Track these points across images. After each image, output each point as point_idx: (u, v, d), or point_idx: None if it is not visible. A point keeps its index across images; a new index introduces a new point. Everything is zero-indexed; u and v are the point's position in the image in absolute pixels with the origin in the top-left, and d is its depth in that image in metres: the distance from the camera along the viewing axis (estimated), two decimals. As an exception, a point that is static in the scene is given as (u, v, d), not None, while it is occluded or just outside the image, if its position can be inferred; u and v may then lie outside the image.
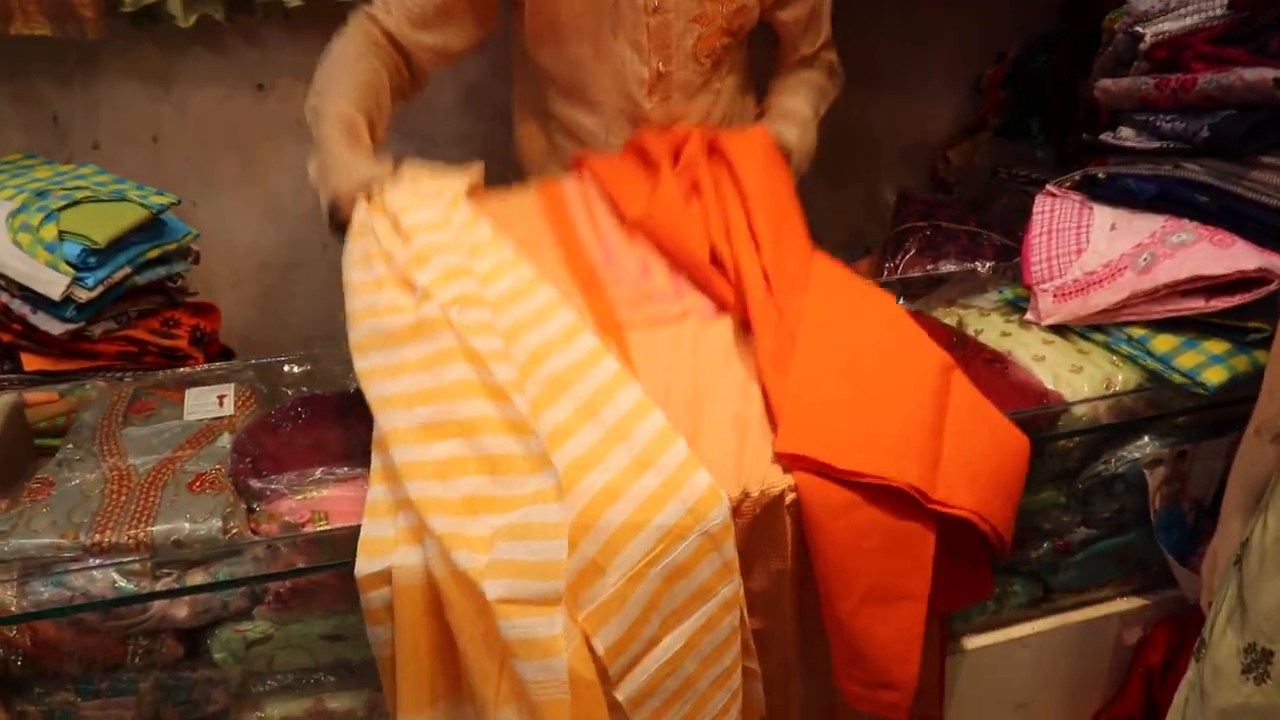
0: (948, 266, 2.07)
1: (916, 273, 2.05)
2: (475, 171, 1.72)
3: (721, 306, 1.60)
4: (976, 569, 1.47)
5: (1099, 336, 1.66)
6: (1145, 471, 1.62)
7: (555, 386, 1.33)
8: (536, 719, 1.17)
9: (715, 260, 1.63)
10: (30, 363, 1.80)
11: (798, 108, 1.97)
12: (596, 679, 1.20)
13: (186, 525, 1.30)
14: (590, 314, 1.53)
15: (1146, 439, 1.63)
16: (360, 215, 1.60)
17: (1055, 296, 1.69)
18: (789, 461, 1.36)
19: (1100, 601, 1.73)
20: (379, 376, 1.34)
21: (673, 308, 1.60)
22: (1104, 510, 1.64)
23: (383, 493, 1.27)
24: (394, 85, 1.85)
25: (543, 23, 1.83)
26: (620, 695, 1.25)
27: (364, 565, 1.22)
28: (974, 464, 1.38)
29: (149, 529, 1.29)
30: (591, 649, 1.21)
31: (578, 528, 1.20)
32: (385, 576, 1.22)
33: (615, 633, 1.23)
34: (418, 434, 1.28)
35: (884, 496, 1.33)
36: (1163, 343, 1.60)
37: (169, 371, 1.73)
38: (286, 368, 1.65)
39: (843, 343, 1.49)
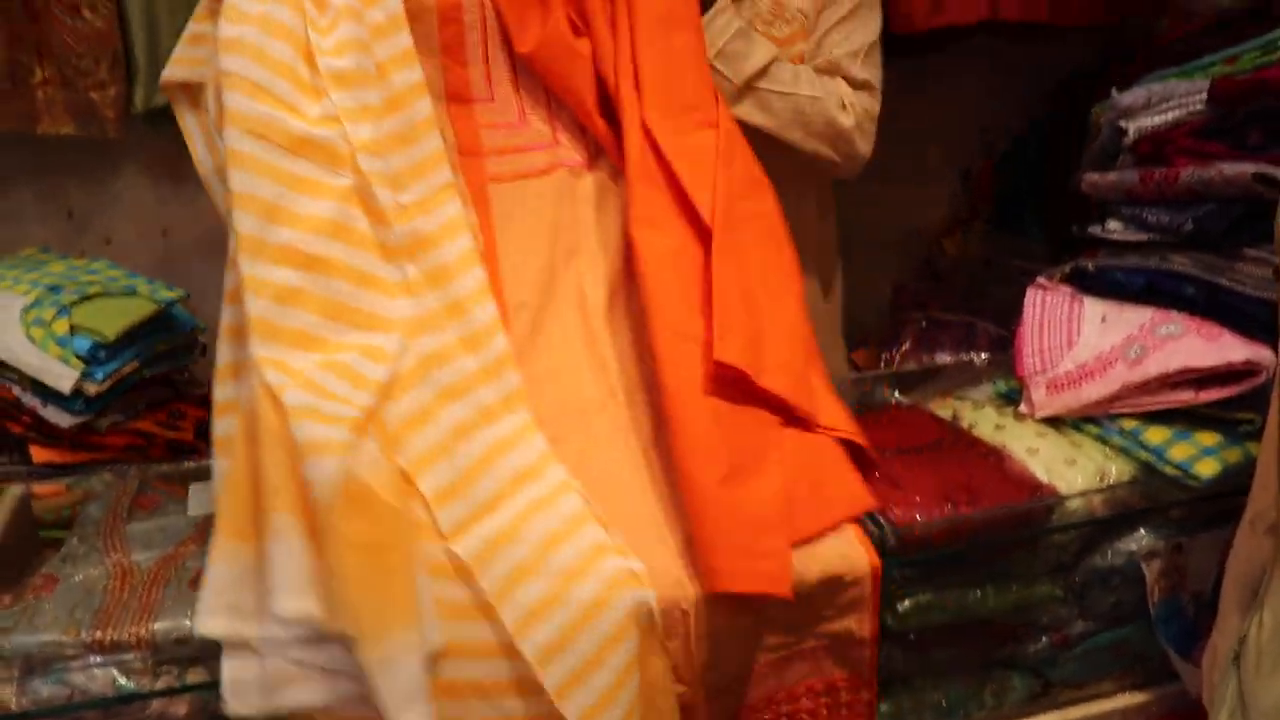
0: (943, 357, 2.10)
1: (912, 364, 2.08)
2: None
3: (599, 154, 1.60)
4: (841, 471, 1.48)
5: (1092, 428, 1.68)
6: (1142, 564, 1.62)
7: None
8: (310, 522, 1.18)
9: (605, 100, 1.60)
10: (39, 454, 1.82)
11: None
12: (384, 496, 1.20)
13: (188, 623, 1.30)
14: (462, 170, 1.52)
15: (1142, 531, 1.64)
16: None
17: (1048, 389, 1.72)
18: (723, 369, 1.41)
19: (1102, 696, 1.72)
20: (248, 168, 1.32)
21: (542, 158, 1.59)
22: (1102, 603, 1.65)
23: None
24: None
25: None
26: (458, 549, 1.24)
27: (216, 393, 1.31)
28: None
29: (150, 626, 1.30)
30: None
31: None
32: (229, 407, 1.29)
33: (443, 479, 1.26)
34: (272, 253, 1.30)
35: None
36: (1155, 434, 1.62)
37: (174, 465, 1.75)
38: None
39: (732, 244, 1.51)
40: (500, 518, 1.28)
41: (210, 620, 1.24)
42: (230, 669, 1.23)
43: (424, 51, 1.48)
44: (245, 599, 1.24)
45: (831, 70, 1.88)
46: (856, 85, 1.88)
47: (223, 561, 1.25)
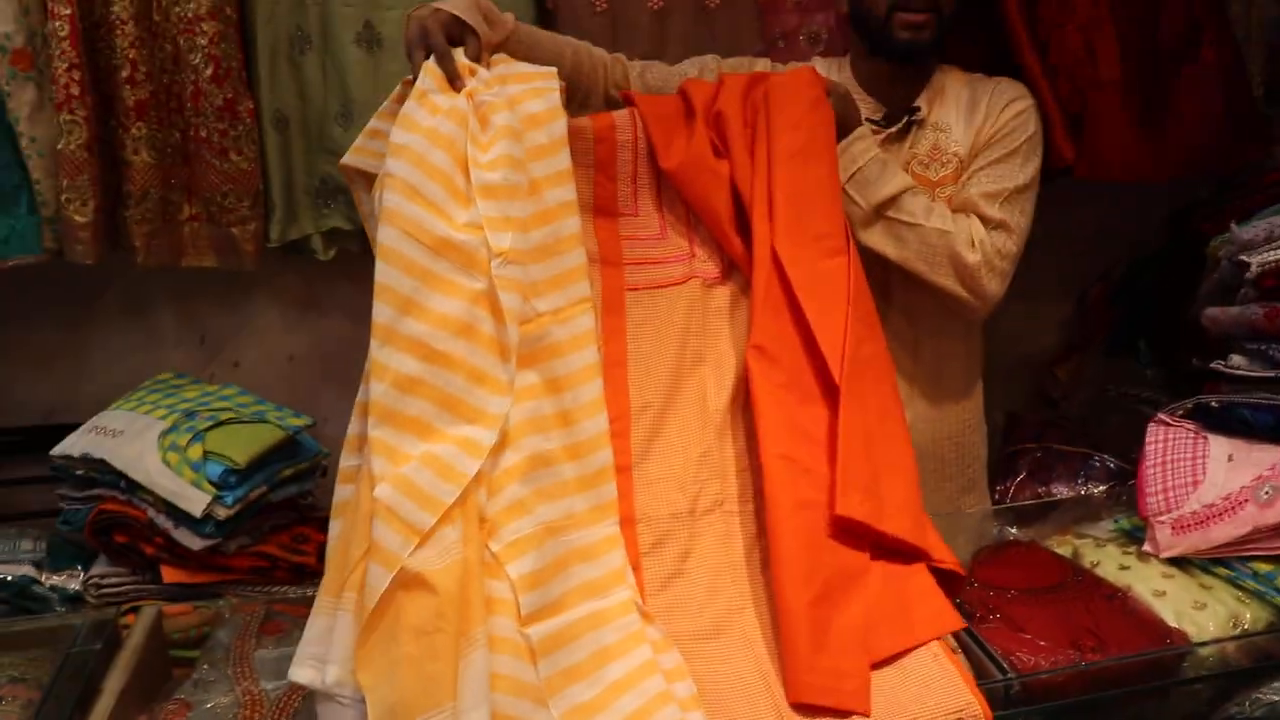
0: (1060, 489, 2.07)
1: (1028, 495, 2.05)
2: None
3: (732, 268, 1.66)
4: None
5: (1222, 570, 1.64)
6: (1282, 716, 1.56)
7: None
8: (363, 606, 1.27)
9: (740, 218, 1.65)
10: (169, 575, 1.88)
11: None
12: (442, 582, 1.27)
13: (315, 754, 1.33)
14: (602, 278, 1.61)
15: (1282, 681, 1.58)
16: (433, 81, 1.52)
17: (1174, 529, 1.68)
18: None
19: None
20: (392, 262, 1.41)
21: (678, 270, 1.65)
22: (1240, 756, 1.58)
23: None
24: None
25: None
26: (531, 633, 1.30)
27: (342, 461, 1.41)
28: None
29: (280, 756, 1.33)
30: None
31: None
32: (350, 475, 1.40)
33: (528, 567, 1.33)
34: (401, 342, 1.39)
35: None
36: (1290, 579, 1.57)
37: (298, 589, 1.79)
38: (411, 591, 1.69)
39: (856, 390, 1.54)
40: (564, 618, 1.35)
41: (299, 669, 1.32)
42: (323, 713, 1.31)
43: (576, 166, 1.57)
44: (333, 652, 1.32)
45: (965, 208, 1.90)
46: (991, 224, 1.88)
47: (319, 615, 1.34)
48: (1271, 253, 1.81)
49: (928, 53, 1.94)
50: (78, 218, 2.06)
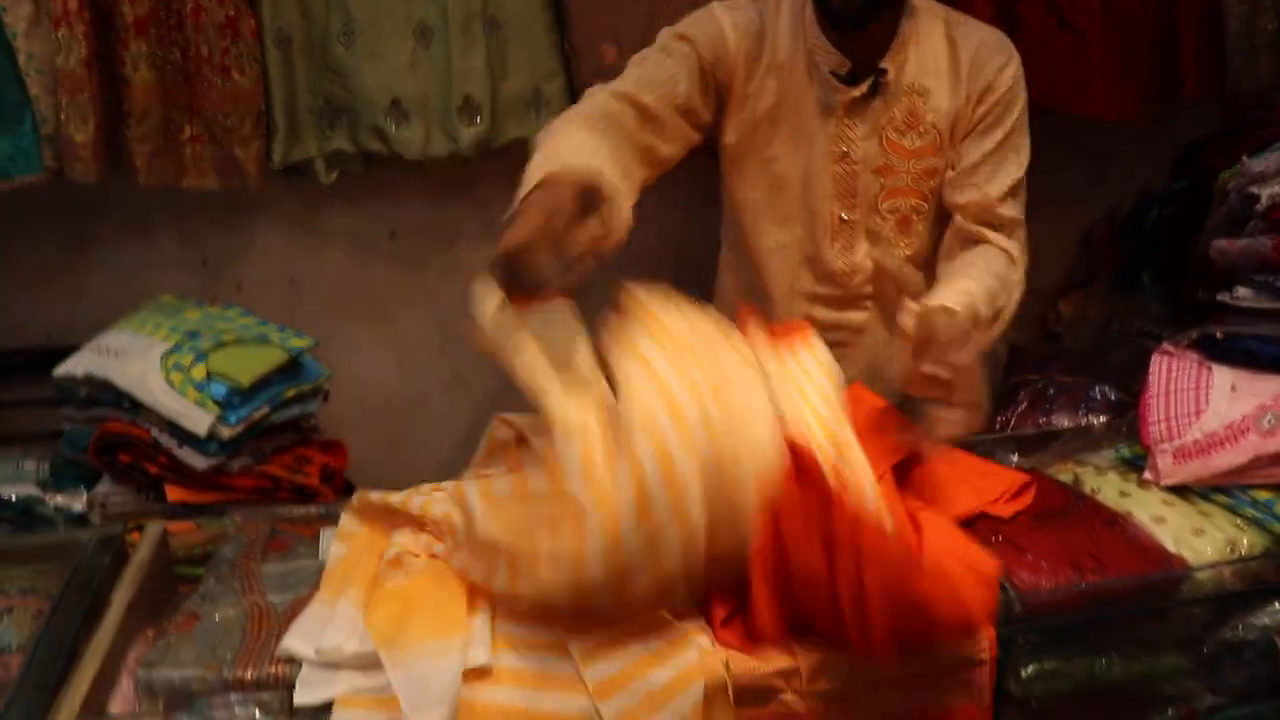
0: (1060, 420, 2.08)
1: (1029, 426, 2.06)
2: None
3: None
4: None
5: (1221, 498, 1.65)
6: (1276, 639, 1.58)
7: None
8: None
9: None
10: (173, 494, 1.89)
11: (962, 285, 1.69)
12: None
13: (323, 664, 1.34)
14: None
15: (1277, 605, 1.59)
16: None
17: (1175, 457, 1.68)
18: None
19: (1231, 774, 1.67)
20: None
21: None
22: (1233, 678, 1.60)
23: None
24: (641, 137, 1.76)
25: (743, 165, 1.89)
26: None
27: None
28: None
29: (288, 667, 1.34)
30: None
31: None
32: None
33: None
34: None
35: None
36: (1289, 507, 1.58)
37: (302, 508, 1.80)
38: (415, 509, 1.70)
39: None
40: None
41: (291, 641, 1.35)
42: (303, 675, 1.33)
43: None
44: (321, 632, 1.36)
45: (981, 209, 1.83)
46: (1004, 224, 1.84)
47: (316, 605, 1.41)
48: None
49: (865, 16, 1.77)
50: (77, 136, 2.04)
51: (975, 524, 1.59)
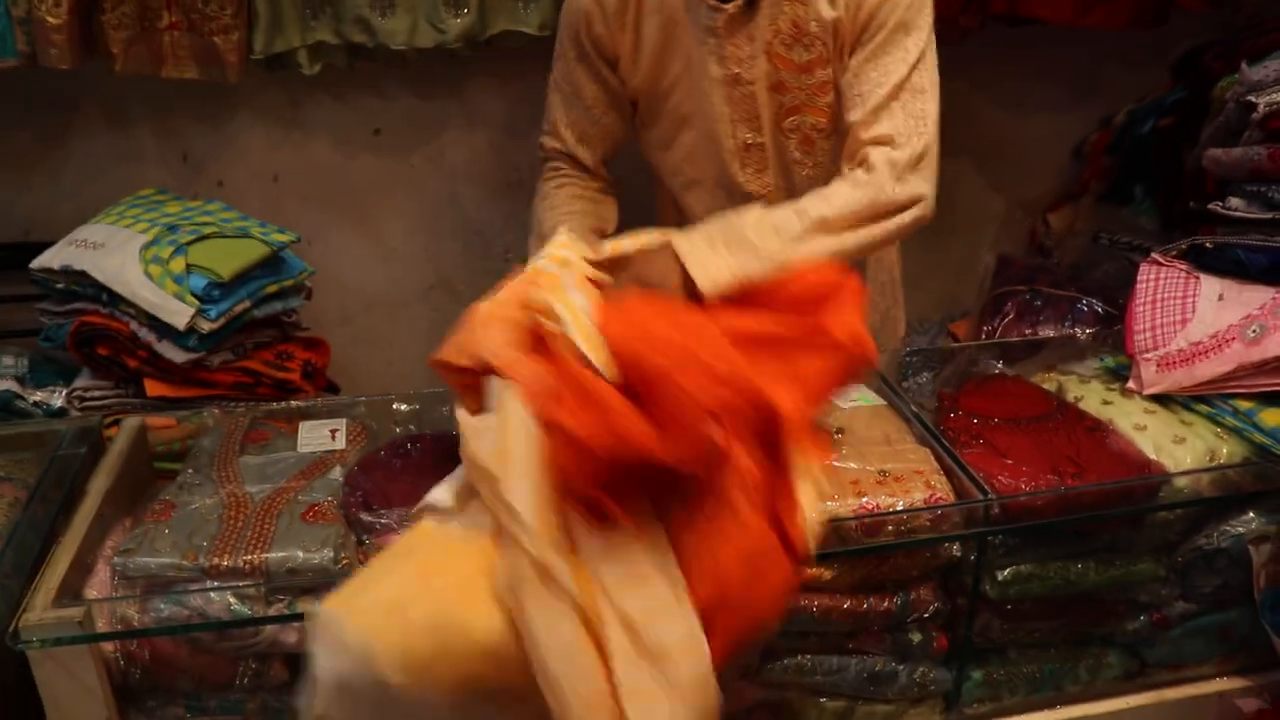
0: (1046, 331, 2.07)
1: (1015, 337, 2.05)
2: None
3: None
4: None
5: (1203, 408, 1.65)
6: (1250, 548, 1.59)
7: None
8: None
9: None
10: (153, 388, 1.88)
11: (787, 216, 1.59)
12: None
13: (300, 554, 1.35)
14: None
15: (1251, 514, 1.60)
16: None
17: (1159, 366, 1.68)
18: None
19: (1200, 679, 1.70)
20: None
21: None
22: (1205, 585, 1.62)
23: None
24: (601, 207, 1.93)
25: (651, 114, 1.89)
26: None
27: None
28: None
29: (264, 555, 1.35)
30: None
31: None
32: None
33: None
34: None
35: None
36: (1271, 416, 1.58)
37: (283, 403, 1.80)
38: (396, 405, 1.70)
39: None
40: None
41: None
42: None
43: None
44: None
45: (853, 148, 1.69)
46: (878, 144, 1.66)
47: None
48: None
49: None
50: (50, 19, 1.99)
51: (953, 427, 1.60)
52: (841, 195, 1.62)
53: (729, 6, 1.71)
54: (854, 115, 1.69)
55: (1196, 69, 2.39)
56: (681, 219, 1.96)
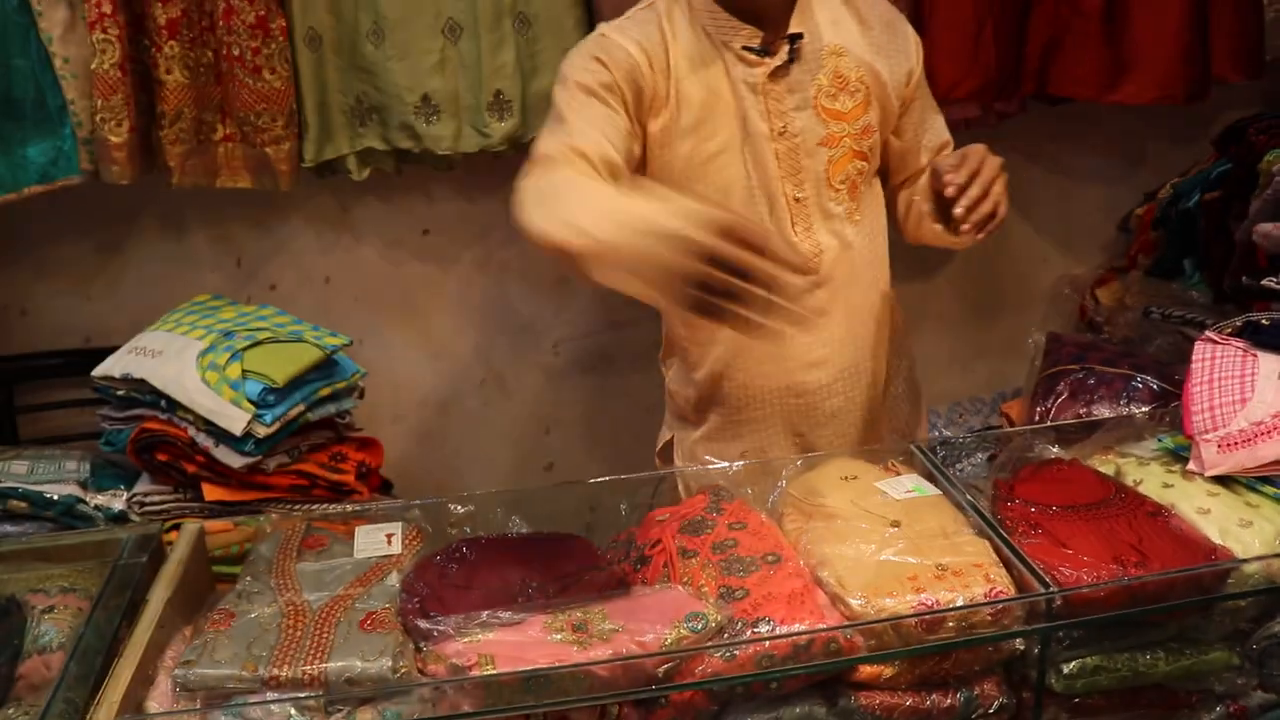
0: (1101, 411, 2.04)
1: (1069, 417, 2.02)
2: None
3: None
4: None
5: (1269, 489, 1.61)
6: (1326, 633, 1.54)
7: None
8: None
9: None
10: (210, 493, 1.91)
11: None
12: None
13: (359, 663, 1.34)
14: None
15: (1326, 598, 1.56)
16: None
17: (1220, 447, 1.65)
18: None
19: (1280, 771, 1.64)
20: None
21: None
22: (1282, 674, 1.57)
23: None
24: None
25: (681, 181, 1.78)
26: None
27: None
28: None
29: (323, 665, 1.34)
30: None
31: None
32: None
33: None
34: None
35: None
36: (1338, 497, 1.54)
37: (338, 506, 1.81)
38: (451, 507, 1.70)
39: None
40: None
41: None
42: None
43: None
44: None
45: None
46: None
47: None
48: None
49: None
50: (112, 138, 2.06)
51: (1011, 516, 1.57)
52: None
53: (770, 60, 1.74)
54: (923, 158, 1.90)
55: (1240, 142, 2.38)
56: None
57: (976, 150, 1.72)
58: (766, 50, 1.75)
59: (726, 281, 1.19)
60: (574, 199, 1.43)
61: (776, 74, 1.75)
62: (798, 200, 1.82)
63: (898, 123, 1.89)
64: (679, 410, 2.02)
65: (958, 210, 1.66)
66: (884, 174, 1.96)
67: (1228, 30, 2.41)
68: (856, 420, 1.95)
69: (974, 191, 1.66)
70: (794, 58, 1.76)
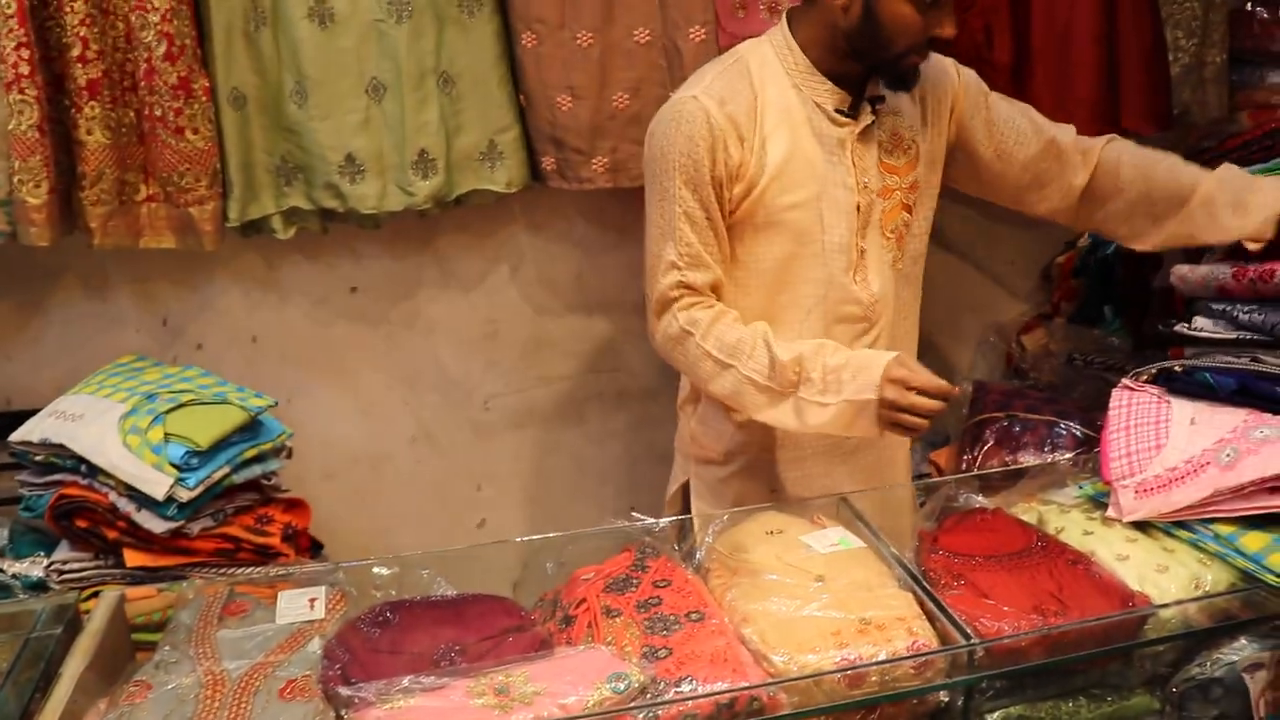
0: (1026, 458, 2.07)
1: (995, 464, 2.05)
2: None
3: None
4: None
5: (1184, 534, 1.64)
6: (1244, 676, 1.57)
7: None
8: None
9: None
10: (132, 558, 1.86)
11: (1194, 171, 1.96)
12: None
13: (277, 734, 1.32)
14: None
15: (1244, 641, 1.58)
16: None
17: (1136, 493, 1.68)
18: None
19: (1205, 814, 1.66)
20: None
21: None
22: (1203, 716, 1.58)
23: None
24: None
25: (750, 228, 1.89)
26: None
27: None
28: None
29: (240, 738, 1.32)
30: None
31: None
32: None
33: None
34: None
35: None
36: (1253, 541, 1.57)
37: (262, 570, 1.78)
38: (375, 569, 1.68)
39: None
40: None
41: None
42: None
43: None
44: None
45: (1064, 139, 2.01)
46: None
47: None
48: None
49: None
50: (30, 199, 2.04)
51: (935, 567, 1.58)
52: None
53: (861, 121, 1.86)
54: (1043, 135, 2.00)
55: None
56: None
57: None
58: (854, 112, 1.87)
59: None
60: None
61: (864, 132, 1.87)
62: (863, 252, 1.91)
63: (990, 144, 2.00)
64: (702, 454, 2.05)
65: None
66: (1035, 193, 2.06)
67: (1137, 85, 2.48)
68: (881, 456, 2.03)
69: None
70: (876, 120, 1.88)
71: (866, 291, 1.92)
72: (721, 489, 2.04)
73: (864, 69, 1.86)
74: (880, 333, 1.96)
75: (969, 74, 2.02)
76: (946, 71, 1.99)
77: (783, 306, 1.92)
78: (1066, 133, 2.01)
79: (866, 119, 1.88)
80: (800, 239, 1.88)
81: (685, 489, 2.12)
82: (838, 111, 1.86)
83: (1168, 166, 1.98)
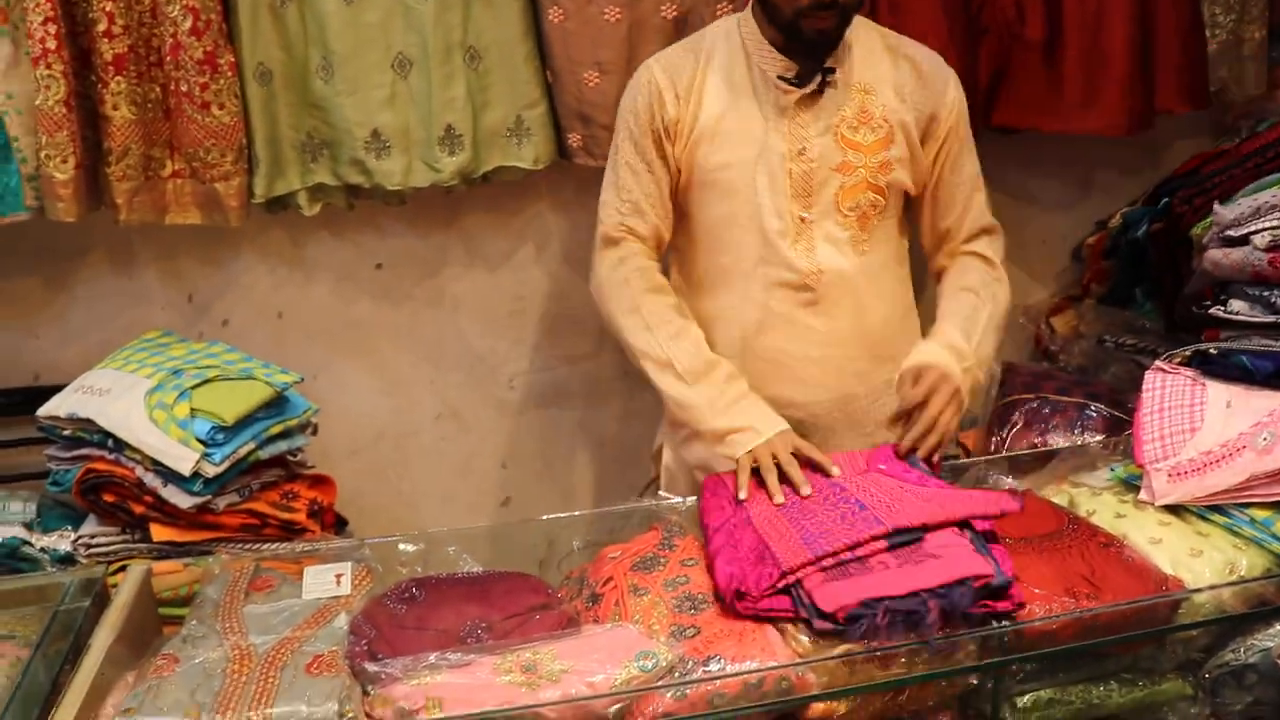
0: (1055, 439, 2.05)
1: (1024, 447, 2.04)
2: None
3: None
4: None
5: (1219, 518, 1.62)
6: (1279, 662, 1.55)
7: None
8: None
9: None
10: (159, 533, 1.87)
11: (952, 334, 1.92)
12: None
13: (304, 708, 1.32)
14: None
15: (1278, 627, 1.56)
16: None
17: (1170, 476, 1.66)
18: None
19: (1237, 799, 1.64)
20: None
21: None
22: (1236, 702, 1.57)
23: None
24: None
25: (695, 189, 1.94)
26: None
27: None
28: None
29: (268, 711, 1.32)
30: None
31: None
32: None
33: None
34: None
35: None
36: (1288, 526, 1.55)
37: (288, 546, 1.78)
38: (401, 546, 1.68)
39: None
40: None
41: None
42: None
43: None
44: None
45: (975, 231, 2.01)
46: (980, 232, 2.01)
47: None
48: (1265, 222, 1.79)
49: (837, 38, 1.88)
50: (58, 175, 2.04)
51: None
52: (1001, 293, 1.98)
53: (803, 89, 1.86)
54: (949, 217, 1.99)
55: (1167, 216, 2.43)
56: (698, 301, 2.00)
57: (933, 373, 1.83)
58: (800, 81, 1.87)
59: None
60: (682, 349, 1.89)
61: (804, 100, 1.88)
62: (803, 220, 1.91)
63: (926, 175, 1.98)
64: (671, 415, 2.05)
65: (903, 445, 1.77)
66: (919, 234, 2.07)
67: (1172, 63, 2.44)
68: (840, 443, 2.00)
69: (915, 433, 1.78)
70: (823, 88, 1.88)
71: (808, 261, 1.92)
72: (683, 450, 2.05)
73: (785, 36, 1.87)
74: (833, 307, 1.95)
75: (963, 104, 2.00)
76: (946, 80, 1.98)
77: (724, 267, 1.97)
78: (970, 231, 2.03)
79: (810, 87, 1.88)
80: (734, 199, 1.92)
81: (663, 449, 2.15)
82: (780, 79, 1.87)
83: (948, 298, 2.00)
